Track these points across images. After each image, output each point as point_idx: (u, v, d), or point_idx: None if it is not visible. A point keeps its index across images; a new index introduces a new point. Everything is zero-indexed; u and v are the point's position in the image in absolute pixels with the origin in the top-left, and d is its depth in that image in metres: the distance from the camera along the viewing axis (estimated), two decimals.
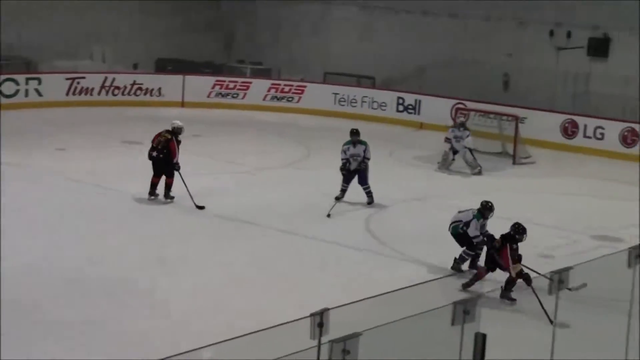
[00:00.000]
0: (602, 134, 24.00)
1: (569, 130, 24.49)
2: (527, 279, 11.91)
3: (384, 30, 29.68)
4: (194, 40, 30.89)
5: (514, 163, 22.22)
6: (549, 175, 21.26)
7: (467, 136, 20.74)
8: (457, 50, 28.25)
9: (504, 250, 12.19)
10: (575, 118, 24.54)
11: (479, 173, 20.79)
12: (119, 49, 29.44)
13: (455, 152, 20.84)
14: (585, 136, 24.24)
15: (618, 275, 10.40)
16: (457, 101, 25.68)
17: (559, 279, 6.97)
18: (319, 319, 5.79)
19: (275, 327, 5.73)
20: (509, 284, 12.16)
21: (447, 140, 21.00)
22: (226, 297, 12.03)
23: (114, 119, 24.71)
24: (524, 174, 21.37)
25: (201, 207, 16.24)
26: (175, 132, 16.61)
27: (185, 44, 30.77)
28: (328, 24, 30.98)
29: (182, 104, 27.31)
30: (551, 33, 26.54)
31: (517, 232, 12.32)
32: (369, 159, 17.31)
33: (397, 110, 27.06)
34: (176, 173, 16.48)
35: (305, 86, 28.51)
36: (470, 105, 24.97)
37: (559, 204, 18.41)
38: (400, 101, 27.32)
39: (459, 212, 13.55)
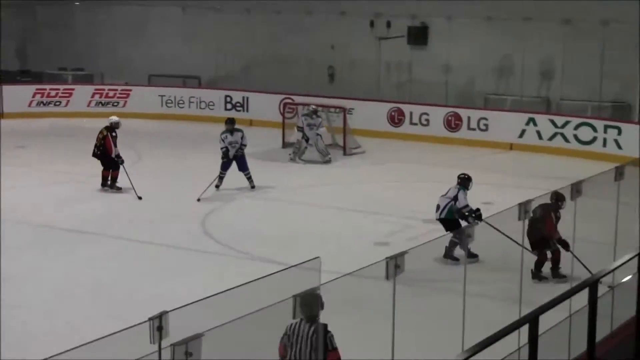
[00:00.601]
0: (427, 120, 24.63)
1: (396, 119, 25.02)
2: (566, 245, 12.19)
3: (208, 29, 29.49)
4: (8, 48, 29.80)
5: (344, 154, 22.50)
6: (379, 164, 21.62)
7: (320, 123, 21.06)
8: (282, 45, 28.39)
9: (548, 219, 12.32)
10: (401, 106, 25.11)
11: (330, 161, 21.13)
12: None
13: (307, 140, 21.04)
14: (411, 123, 24.83)
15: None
16: (285, 96, 25.83)
17: (395, 264, 7.02)
18: (158, 323, 5.65)
19: (112, 335, 5.53)
20: (540, 263, 12.42)
21: (299, 129, 21.25)
22: (59, 308, 11.69)
23: None
24: (355, 164, 21.67)
25: (140, 198, 17.23)
26: (113, 127, 17.73)
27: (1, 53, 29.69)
28: (149, 25, 30.53)
29: (2, 115, 26.35)
30: (371, 24, 27.01)
31: (559, 199, 12.40)
32: (245, 145, 18.11)
33: (226, 109, 26.97)
34: (123, 165, 17.64)
35: (130, 90, 28.08)
36: (297, 99, 25.15)
37: (390, 192, 18.74)
38: (228, 99, 27.30)
39: (442, 196, 13.75)
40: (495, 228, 10.98)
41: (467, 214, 13.39)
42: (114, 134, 17.73)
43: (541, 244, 12.50)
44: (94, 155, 17.88)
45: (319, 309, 7.09)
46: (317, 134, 21.09)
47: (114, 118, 18.13)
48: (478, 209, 13.44)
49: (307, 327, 7.18)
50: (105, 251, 14.34)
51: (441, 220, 13.62)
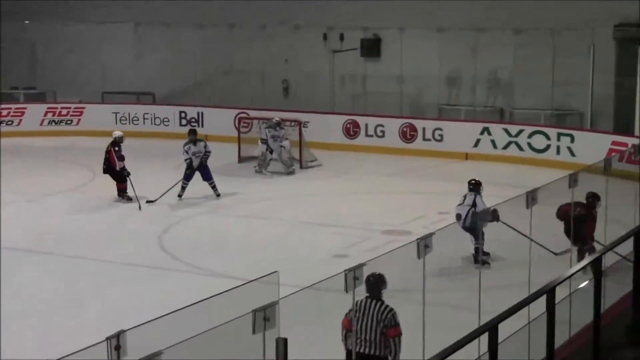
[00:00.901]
0: (382, 131, 24.70)
1: (351, 131, 25.06)
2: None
3: (160, 45, 29.37)
4: None
5: (301, 167, 22.46)
6: (336, 176, 21.63)
7: (283, 135, 21.29)
8: (236, 59, 28.33)
9: (590, 218, 12.55)
10: (356, 118, 25.15)
11: (293, 172, 21.35)
12: None
13: (271, 152, 21.12)
14: (367, 135, 24.88)
15: (409, 267, 10.67)
16: (240, 111, 25.77)
17: (353, 277, 7.03)
18: (116, 342, 5.59)
19: (69, 356, 5.46)
20: (584, 253, 12.54)
21: (263, 141, 21.29)
22: (15, 327, 11.49)
23: None
24: (312, 177, 21.66)
25: (140, 208, 17.78)
26: (117, 142, 18.47)
27: None
28: (102, 42, 30.28)
29: None
30: (324, 37, 27.04)
31: (596, 198, 12.50)
32: (210, 152, 18.64)
33: (180, 125, 26.82)
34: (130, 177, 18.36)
35: (83, 108, 27.87)
36: (252, 113, 25.12)
37: (348, 203, 18.74)
38: (183, 115, 27.18)
39: (459, 205, 13.80)
40: (514, 229, 11.03)
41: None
42: (117, 148, 18.40)
43: (581, 240, 12.71)
44: (103, 170, 18.67)
45: (382, 287, 8.17)
46: (281, 146, 21.19)
47: (117, 133, 18.83)
48: (495, 210, 13.46)
49: (373, 303, 8.20)
50: (56, 270, 14.17)
51: (467, 229, 13.52)
